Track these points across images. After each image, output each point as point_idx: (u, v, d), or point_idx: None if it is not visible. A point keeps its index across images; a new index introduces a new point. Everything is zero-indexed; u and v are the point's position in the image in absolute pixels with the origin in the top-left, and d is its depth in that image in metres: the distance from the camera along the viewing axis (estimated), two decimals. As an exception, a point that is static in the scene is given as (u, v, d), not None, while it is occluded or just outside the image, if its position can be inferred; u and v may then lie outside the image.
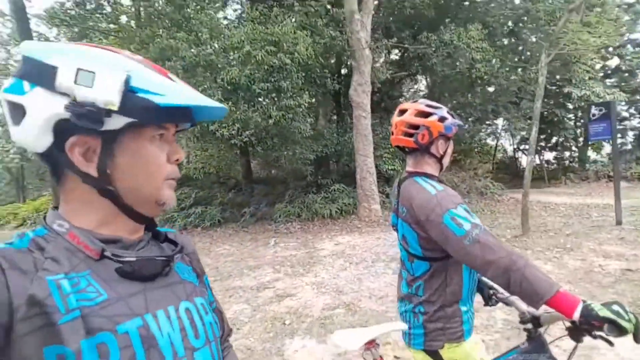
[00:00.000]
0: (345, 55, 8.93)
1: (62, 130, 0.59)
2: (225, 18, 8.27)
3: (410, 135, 1.45)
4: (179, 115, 0.66)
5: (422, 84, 14.44)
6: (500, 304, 1.58)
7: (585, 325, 1.09)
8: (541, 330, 1.41)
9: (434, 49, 9.78)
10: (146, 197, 0.65)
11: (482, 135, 16.26)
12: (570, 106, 13.17)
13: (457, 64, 9.96)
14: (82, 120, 0.57)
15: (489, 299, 1.61)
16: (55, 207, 0.66)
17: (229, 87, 7.63)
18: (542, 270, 1.19)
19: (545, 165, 17.13)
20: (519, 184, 15.83)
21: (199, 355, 0.65)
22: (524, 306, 1.43)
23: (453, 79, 11.24)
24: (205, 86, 7.64)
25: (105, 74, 0.57)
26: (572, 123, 14.94)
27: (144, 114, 0.59)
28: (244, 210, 10.29)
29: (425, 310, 1.46)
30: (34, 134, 0.59)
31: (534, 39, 10.30)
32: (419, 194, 1.40)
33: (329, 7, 8.45)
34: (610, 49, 14.46)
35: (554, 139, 16.45)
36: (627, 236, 6.18)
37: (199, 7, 7.92)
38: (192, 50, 7.55)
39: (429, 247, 1.41)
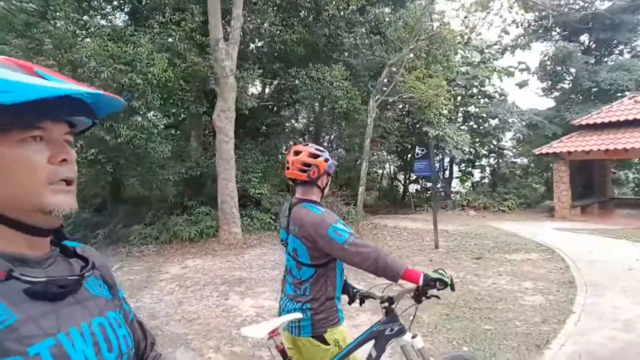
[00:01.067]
0: (210, 81, 9.08)
1: None
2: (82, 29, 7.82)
3: (304, 171, 1.90)
4: (50, 111, 0.58)
5: (303, 114, 15.23)
6: (356, 299, 2.11)
7: (426, 287, 1.75)
8: (393, 306, 1.94)
9: (302, 83, 10.49)
10: (26, 206, 0.60)
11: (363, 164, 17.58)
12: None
13: (325, 100, 10.82)
14: None
15: (353, 296, 2.11)
16: None
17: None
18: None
19: (414, 193, 19.04)
20: (395, 210, 17.42)
21: None
22: (379, 293, 2.02)
23: (325, 112, 12.15)
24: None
25: None
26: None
27: None
28: (97, 231, 9.63)
29: (311, 306, 1.87)
30: None
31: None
32: (308, 214, 1.85)
33: (192, 33, 8.57)
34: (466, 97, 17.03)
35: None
36: (435, 257, 7.25)
37: (46, 14, 7.47)
38: (33, 60, 7.06)
39: (315, 255, 1.85)
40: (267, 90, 12.88)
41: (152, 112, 8.11)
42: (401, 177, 19.96)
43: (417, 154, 7.67)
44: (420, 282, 1.74)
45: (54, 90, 0.54)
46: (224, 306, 5.04)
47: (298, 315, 1.87)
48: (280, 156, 12.79)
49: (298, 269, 1.92)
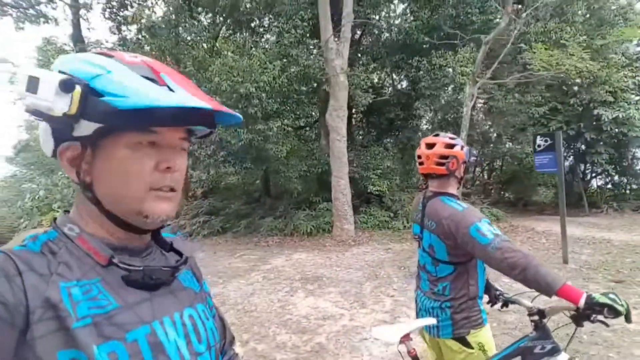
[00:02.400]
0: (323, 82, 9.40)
1: (59, 136, 0.61)
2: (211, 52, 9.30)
3: (442, 164, 1.78)
4: (167, 119, 0.61)
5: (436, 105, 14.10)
6: (499, 302, 1.93)
7: (588, 311, 1.43)
8: (545, 321, 1.68)
9: (425, 72, 9.76)
10: (127, 207, 0.63)
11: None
12: (604, 128, 11.72)
13: (446, 88, 9.80)
14: (52, 128, 0.59)
15: (496, 299, 1.91)
16: (67, 211, 0.67)
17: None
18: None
19: (596, 190, 15.11)
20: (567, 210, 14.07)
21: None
22: (528, 302, 1.75)
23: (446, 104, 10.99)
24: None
25: (46, 78, 0.55)
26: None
27: (108, 118, 0.56)
28: (240, 222, 11.20)
29: (452, 305, 1.77)
30: (44, 140, 0.63)
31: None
32: (446, 209, 1.74)
33: (302, 38, 9.03)
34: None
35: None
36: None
37: (191, 42, 9.12)
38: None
39: (454, 253, 1.75)
40: (388, 83, 12.47)
41: (268, 116, 8.85)
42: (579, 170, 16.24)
43: (539, 146, 6.13)
44: (581, 304, 1.43)
45: (165, 102, 0.56)
46: (284, 302, 5.24)
47: (432, 320, 1.76)
48: (412, 150, 12.21)
49: (434, 266, 1.83)
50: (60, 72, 0.57)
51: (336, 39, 9.11)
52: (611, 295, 1.43)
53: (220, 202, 12.85)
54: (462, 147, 1.82)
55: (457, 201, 1.78)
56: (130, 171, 0.60)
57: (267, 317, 4.76)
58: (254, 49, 8.76)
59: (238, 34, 10.27)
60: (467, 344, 1.75)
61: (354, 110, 11.66)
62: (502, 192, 14.25)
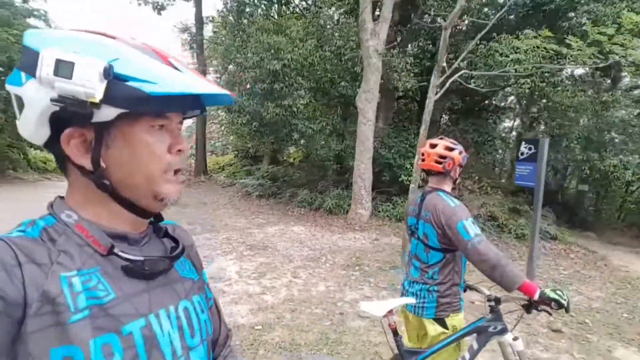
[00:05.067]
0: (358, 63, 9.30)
1: (58, 121, 0.58)
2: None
3: (440, 163, 2.07)
4: (180, 103, 0.62)
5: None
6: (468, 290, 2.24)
7: (539, 304, 1.81)
8: (500, 306, 2.03)
9: (482, 57, 8.85)
10: (143, 191, 0.63)
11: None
12: None
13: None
14: (71, 113, 0.56)
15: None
16: (62, 196, 0.65)
17: (247, 86, 9.47)
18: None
19: None
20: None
21: (194, 354, 0.67)
22: (487, 290, 2.11)
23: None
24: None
25: (84, 63, 0.53)
26: None
27: (134, 103, 0.56)
28: (287, 191, 11.72)
29: (438, 289, 2.02)
30: (31, 126, 0.59)
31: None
32: (442, 203, 2.00)
33: (340, 17, 9.03)
34: None
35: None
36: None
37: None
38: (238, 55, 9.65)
39: (444, 242, 1.99)
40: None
41: (296, 93, 9.20)
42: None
43: (522, 153, 5.21)
44: (536, 297, 1.79)
45: (194, 88, 0.58)
46: (215, 261, 5.79)
47: (411, 300, 2.05)
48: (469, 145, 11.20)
49: (426, 253, 2.07)
50: (74, 52, 0.55)
51: (376, 21, 8.87)
52: (558, 292, 1.78)
53: (283, 170, 13.65)
54: (460, 152, 2.09)
55: (451, 197, 2.03)
56: (148, 155, 0.61)
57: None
58: (289, 28, 9.09)
59: (274, 10, 10.69)
60: (444, 325, 2.01)
61: (400, 95, 11.19)
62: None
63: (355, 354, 3.41)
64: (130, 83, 0.55)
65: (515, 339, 2.00)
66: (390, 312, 1.94)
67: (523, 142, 5.42)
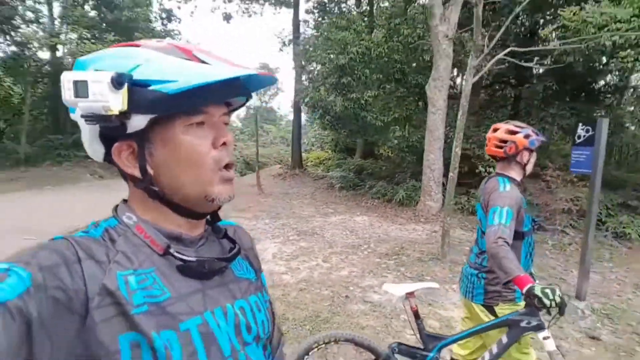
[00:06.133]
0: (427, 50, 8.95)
1: (107, 138, 0.61)
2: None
3: (500, 147, 1.98)
4: (213, 95, 0.61)
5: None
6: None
7: (527, 298, 1.66)
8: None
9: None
10: (193, 193, 0.63)
11: None
12: None
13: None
14: (105, 129, 0.59)
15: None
16: (125, 200, 0.68)
17: (319, 80, 9.97)
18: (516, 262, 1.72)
19: None
20: None
21: (250, 350, 0.68)
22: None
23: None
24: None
25: (95, 79, 0.55)
26: None
27: (160, 106, 0.57)
28: (367, 182, 11.91)
29: (487, 277, 1.97)
30: (89, 146, 0.64)
31: None
32: (494, 187, 1.95)
33: (406, 5, 8.80)
34: None
35: None
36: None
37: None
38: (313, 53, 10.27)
39: None
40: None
41: (363, 86, 9.33)
42: None
43: (579, 137, 4.40)
44: (524, 292, 1.66)
45: (214, 76, 0.56)
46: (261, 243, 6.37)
47: (434, 284, 2.11)
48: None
49: (481, 239, 2.03)
50: (94, 70, 0.57)
51: (445, 4, 8.42)
52: (547, 290, 1.59)
53: (370, 163, 13.87)
54: (526, 136, 1.96)
55: (508, 182, 1.95)
56: (192, 154, 0.61)
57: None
58: (354, 22, 9.23)
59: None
60: (494, 313, 1.96)
61: (489, 82, 10.28)
62: None
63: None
64: (152, 87, 0.56)
65: (545, 338, 1.82)
66: (412, 294, 1.93)
67: (580, 124, 4.70)
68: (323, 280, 4.86)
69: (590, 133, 4.49)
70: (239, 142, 34.00)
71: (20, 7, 14.80)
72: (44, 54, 16.56)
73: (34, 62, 15.91)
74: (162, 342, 0.55)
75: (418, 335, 1.98)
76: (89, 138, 0.62)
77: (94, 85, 0.54)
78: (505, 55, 5.86)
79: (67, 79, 0.55)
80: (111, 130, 0.58)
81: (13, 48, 15.58)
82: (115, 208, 0.67)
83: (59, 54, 16.38)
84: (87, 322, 0.52)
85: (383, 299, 4.36)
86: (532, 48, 6.23)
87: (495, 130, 2.03)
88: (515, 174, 2.02)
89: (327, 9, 11.31)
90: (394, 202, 9.95)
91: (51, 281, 0.50)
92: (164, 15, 20.31)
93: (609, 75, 9.69)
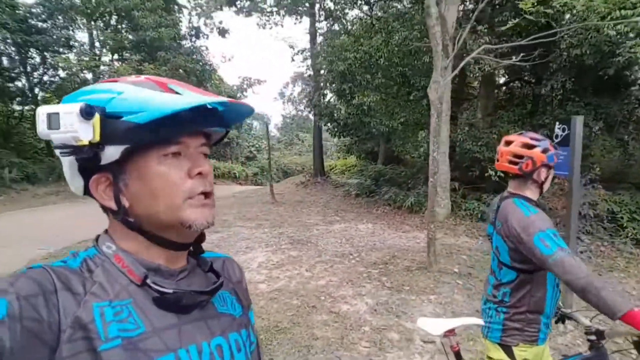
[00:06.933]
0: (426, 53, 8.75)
1: (85, 171, 0.62)
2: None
3: (515, 163, 1.71)
4: (188, 125, 0.62)
5: None
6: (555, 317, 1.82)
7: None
8: (603, 342, 1.62)
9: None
10: (168, 222, 0.63)
11: None
12: None
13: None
14: (81, 161, 0.59)
15: (555, 314, 1.80)
16: (107, 230, 0.68)
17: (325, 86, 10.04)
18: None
19: None
20: None
21: None
22: (587, 321, 1.71)
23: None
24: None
25: (65, 111, 0.56)
26: None
27: (132, 137, 0.57)
28: (382, 189, 11.74)
29: (507, 311, 1.73)
30: (70, 180, 0.64)
31: None
32: (515, 213, 1.66)
33: (400, 7, 8.67)
34: None
35: None
36: None
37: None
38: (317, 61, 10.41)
39: (517, 258, 1.67)
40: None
41: (365, 91, 9.29)
42: None
43: (556, 136, 4.07)
44: None
45: (182, 104, 0.57)
46: (246, 254, 6.46)
47: (479, 321, 1.79)
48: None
49: (499, 269, 1.80)
50: (50, 112, 0.57)
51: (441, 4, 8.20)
52: None
53: (388, 169, 13.70)
54: (544, 150, 1.71)
55: (529, 205, 1.70)
56: (165, 184, 0.61)
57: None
58: (353, 27, 9.22)
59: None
60: (512, 356, 1.70)
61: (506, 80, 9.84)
62: None
63: (287, 342, 3.61)
64: (124, 118, 0.57)
65: None
66: (451, 331, 1.69)
67: (557, 123, 4.42)
68: (297, 290, 4.89)
69: (566, 132, 4.21)
70: (276, 151, 34.79)
71: (55, 34, 16.00)
72: (87, 75, 17.94)
73: (77, 84, 17.27)
74: None
75: None
76: (69, 172, 0.63)
77: (65, 117, 0.56)
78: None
79: (41, 112, 0.57)
80: (86, 161, 0.59)
81: (60, 73, 17.04)
82: (97, 238, 0.67)
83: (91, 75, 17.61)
84: (56, 356, 0.52)
85: (350, 309, 4.32)
86: (511, 44, 5.92)
87: (508, 143, 1.75)
88: (531, 193, 1.76)
89: (334, 16, 11.34)
90: (403, 209, 9.75)
91: (27, 312, 0.51)
92: (192, 33, 21.34)
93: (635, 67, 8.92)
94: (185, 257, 0.71)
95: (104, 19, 17.16)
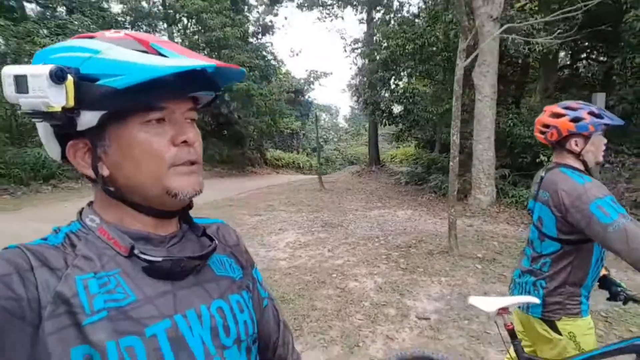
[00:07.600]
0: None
1: (63, 136, 0.58)
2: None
3: (543, 133, 1.69)
4: (172, 89, 0.58)
5: None
6: (619, 299, 1.71)
7: None
8: None
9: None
10: (152, 190, 0.60)
11: None
12: None
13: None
14: (55, 127, 0.56)
15: (616, 296, 1.71)
16: (91, 202, 0.65)
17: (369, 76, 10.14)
18: None
19: None
20: None
21: (229, 354, 0.64)
22: None
23: None
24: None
25: (33, 73, 0.51)
26: None
27: (110, 102, 0.53)
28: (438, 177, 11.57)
29: (546, 285, 1.65)
30: (46, 144, 0.61)
31: None
32: (566, 182, 1.55)
33: None
34: None
35: None
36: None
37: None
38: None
39: (564, 230, 1.57)
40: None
41: (406, 78, 9.22)
42: None
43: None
44: None
45: (165, 69, 0.52)
46: (279, 234, 6.88)
47: (534, 299, 1.65)
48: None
49: (540, 241, 1.70)
50: (17, 75, 0.52)
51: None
52: None
53: (444, 157, 13.31)
54: (573, 120, 1.60)
55: (579, 173, 1.60)
56: (147, 152, 0.58)
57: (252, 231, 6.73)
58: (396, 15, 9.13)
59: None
60: (556, 330, 1.65)
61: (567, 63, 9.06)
62: None
63: (287, 311, 3.91)
64: (100, 81, 0.52)
65: None
66: (505, 309, 1.63)
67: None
68: (313, 267, 5.19)
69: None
70: (342, 142, 35.06)
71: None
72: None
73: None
74: (120, 351, 0.52)
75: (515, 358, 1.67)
76: (44, 136, 0.59)
77: (33, 80, 0.51)
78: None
79: (6, 73, 0.52)
80: (61, 128, 0.56)
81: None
82: (80, 211, 0.64)
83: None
84: (40, 334, 0.50)
85: (358, 286, 4.53)
86: (535, 21, 5.53)
87: (544, 112, 1.73)
88: (572, 163, 1.65)
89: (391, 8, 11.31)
90: (448, 196, 9.49)
91: (2, 291, 0.49)
92: (259, 30, 22.36)
93: None
94: (176, 222, 0.68)
95: (181, 23, 18.82)
